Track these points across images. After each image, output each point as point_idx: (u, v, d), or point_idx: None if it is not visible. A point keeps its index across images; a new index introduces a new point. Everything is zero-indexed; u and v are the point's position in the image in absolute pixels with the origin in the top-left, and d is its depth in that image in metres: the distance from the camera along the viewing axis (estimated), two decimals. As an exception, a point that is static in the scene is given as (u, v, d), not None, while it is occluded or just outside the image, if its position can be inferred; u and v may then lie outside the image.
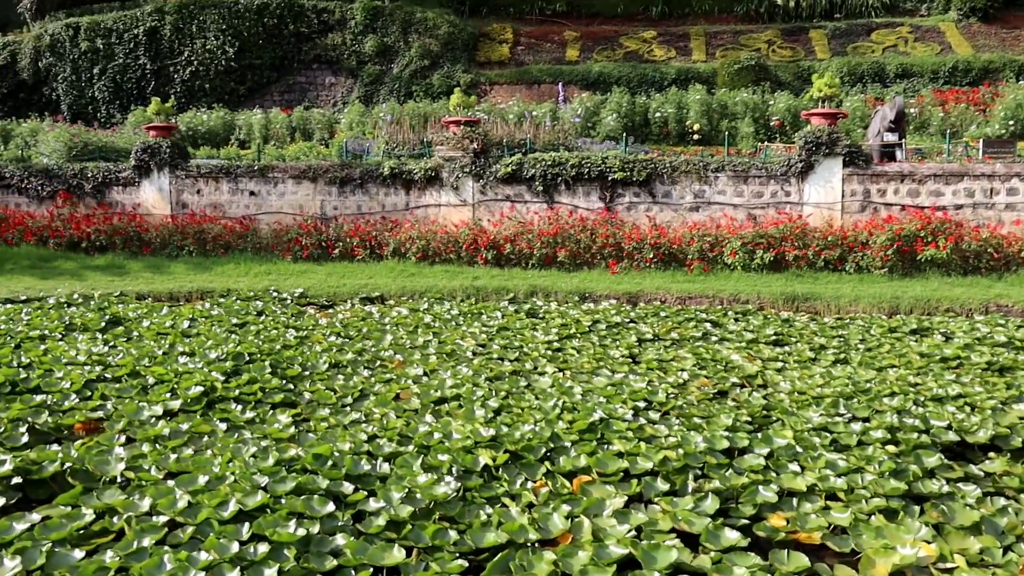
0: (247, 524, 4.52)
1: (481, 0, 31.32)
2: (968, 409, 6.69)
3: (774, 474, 5.31)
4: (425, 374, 7.87)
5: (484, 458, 5.40)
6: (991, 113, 22.76)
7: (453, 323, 10.44)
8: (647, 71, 26.49)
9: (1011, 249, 14.11)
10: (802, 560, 4.22)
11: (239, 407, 6.65)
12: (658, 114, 22.92)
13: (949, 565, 4.25)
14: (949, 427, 6.17)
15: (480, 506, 4.81)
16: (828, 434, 6.05)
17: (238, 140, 23.77)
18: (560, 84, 25.60)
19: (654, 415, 6.51)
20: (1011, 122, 22.05)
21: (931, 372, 8.04)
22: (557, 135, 18.34)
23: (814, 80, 16.27)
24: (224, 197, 17.72)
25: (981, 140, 17.21)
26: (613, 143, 19.39)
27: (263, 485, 4.95)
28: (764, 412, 6.65)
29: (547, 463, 5.46)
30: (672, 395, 7.14)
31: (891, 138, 17.01)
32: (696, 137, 22.13)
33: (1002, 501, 4.98)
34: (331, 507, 4.71)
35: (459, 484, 5.02)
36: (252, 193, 17.65)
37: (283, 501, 4.78)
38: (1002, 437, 6.07)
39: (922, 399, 6.97)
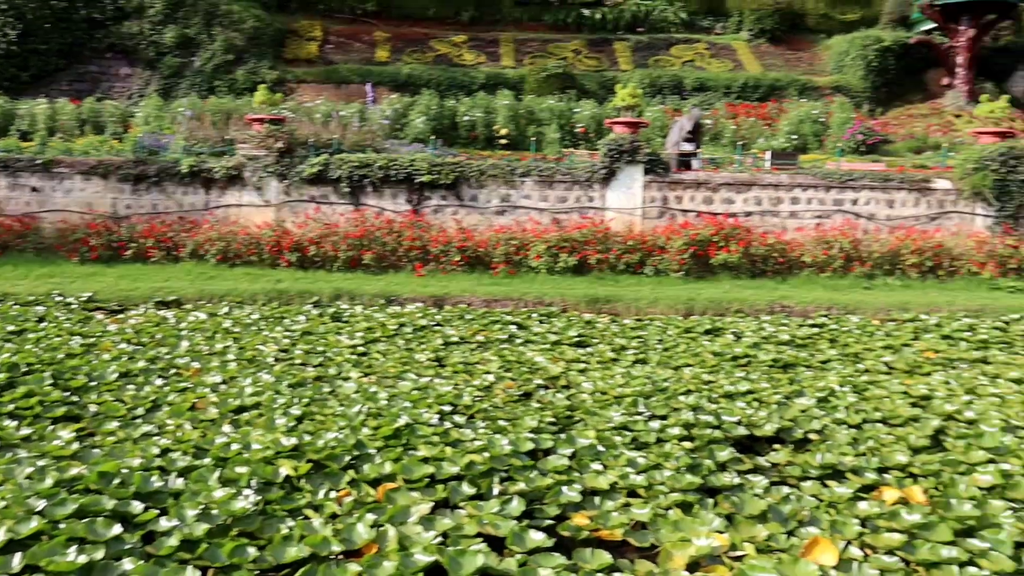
0: (19, 554, 4.11)
1: (290, -4, 30.56)
2: (756, 404, 7.07)
3: (578, 474, 5.41)
4: (223, 382, 7.52)
5: (285, 469, 5.22)
6: (777, 127, 24.37)
7: (254, 328, 10.07)
8: (457, 75, 26.65)
9: (794, 254, 15.14)
10: (605, 557, 4.31)
11: (14, 423, 6.11)
12: (467, 118, 23.11)
13: (739, 553, 4.45)
14: (739, 422, 6.48)
15: (281, 519, 4.63)
16: (629, 432, 6.22)
17: (19, 131, 22.04)
18: (369, 84, 25.33)
19: (460, 419, 6.50)
20: (794, 136, 23.68)
21: (723, 370, 8.44)
22: (365, 136, 18.12)
23: (618, 90, 16.86)
24: (2, 193, 16.39)
25: (769, 152, 18.37)
26: (421, 145, 19.37)
27: (39, 509, 4.54)
28: (568, 413, 6.77)
29: (351, 471, 5.33)
30: (478, 398, 7.16)
31: (688, 148, 17.87)
32: (504, 142, 22.47)
33: (786, 489, 5.27)
34: (118, 529, 4.37)
35: (259, 497, 4.82)
36: (34, 189, 16.41)
37: (62, 526, 4.40)
38: (786, 429, 6.44)
39: (715, 396, 7.30)
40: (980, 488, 5.31)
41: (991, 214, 15.92)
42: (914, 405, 7.24)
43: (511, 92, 24.81)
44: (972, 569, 4.23)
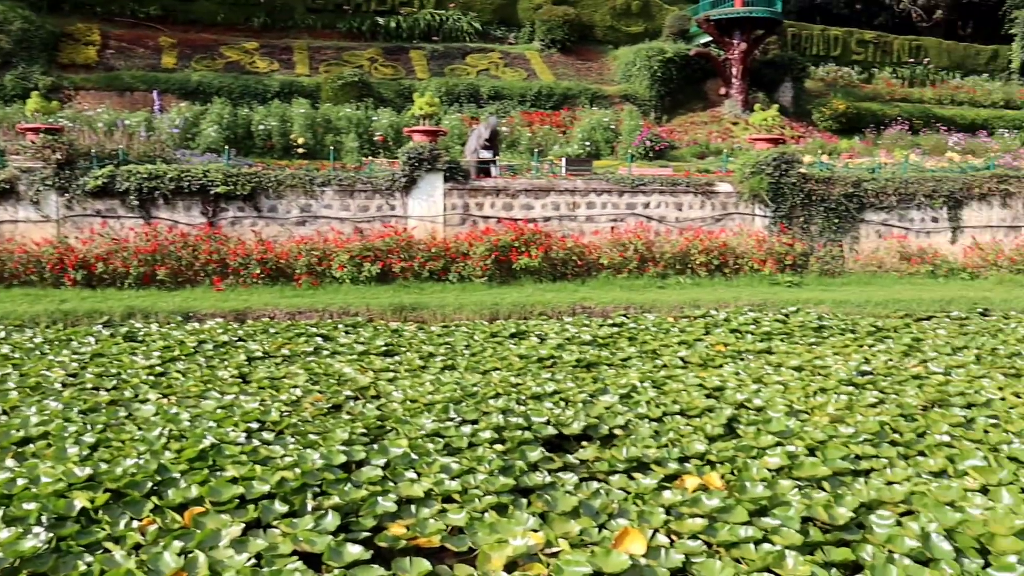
0: None
1: (62, -3, 28.65)
2: (563, 404, 7.28)
3: (392, 483, 5.39)
4: (4, 412, 6.97)
5: (80, 501, 4.89)
6: (570, 134, 25.18)
7: (37, 352, 9.39)
8: (250, 82, 25.87)
9: (591, 256, 15.69)
10: (424, 565, 4.31)
11: None
12: (262, 127, 22.51)
13: (555, 549, 4.57)
14: (548, 422, 6.65)
15: (78, 556, 4.33)
16: (441, 439, 6.26)
17: None
18: (156, 92, 24.16)
19: (268, 435, 6.32)
20: (587, 143, 24.55)
21: (530, 372, 8.63)
22: (154, 146, 17.25)
23: (415, 98, 16.91)
24: None
25: (564, 159, 18.95)
26: (215, 156, 18.70)
27: None
28: (379, 423, 6.73)
29: (155, 498, 5.07)
30: (286, 413, 6.99)
31: (486, 155, 18.16)
32: (301, 151, 22.04)
33: (595, 485, 5.46)
34: None
35: (51, 535, 4.49)
36: None
37: None
38: (592, 427, 6.67)
39: (523, 398, 7.46)
40: (770, 470, 5.70)
41: (768, 215, 17.10)
42: (708, 396, 7.67)
43: (307, 100, 24.38)
44: (766, 545, 4.54)
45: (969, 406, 7.42)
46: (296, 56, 28.62)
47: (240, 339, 10.29)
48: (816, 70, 34.45)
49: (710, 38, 30.15)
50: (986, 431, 6.62)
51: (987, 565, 4.37)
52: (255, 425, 6.54)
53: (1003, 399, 7.63)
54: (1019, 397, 7.73)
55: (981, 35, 43.08)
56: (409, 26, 30.92)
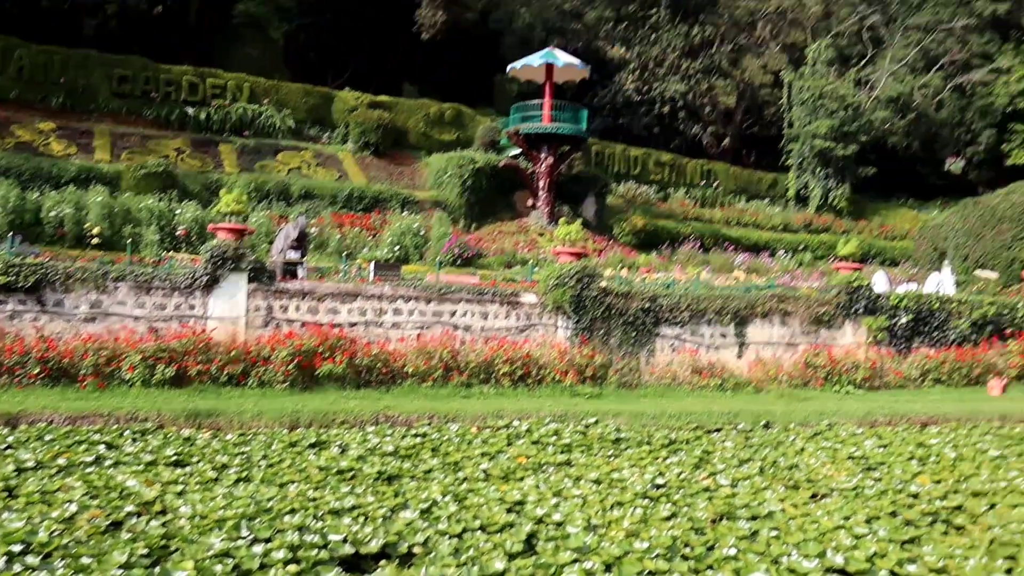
0: None
1: None
2: (362, 519, 7.13)
3: (173, 612, 5.09)
4: None
5: None
6: (380, 238, 25.35)
7: None
8: (43, 165, 24.57)
9: (397, 364, 15.66)
10: None
11: None
12: (53, 213, 21.42)
13: None
14: (345, 540, 6.49)
15: None
16: (230, 560, 5.98)
17: None
18: (-68, 171, 22.58)
19: (33, 559, 5.83)
20: (397, 247, 24.77)
21: (329, 485, 8.43)
22: (-74, 230, 16.05)
23: (222, 194, 16.58)
24: None
25: (372, 263, 18.99)
26: (-2, 243, 17.56)
27: None
28: (163, 542, 6.37)
29: None
30: (57, 532, 6.48)
31: (294, 256, 17.96)
32: (96, 241, 21.07)
33: (390, 609, 5.36)
34: None
35: None
36: None
37: None
38: (391, 544, 6.56)
39: (321, 513, 7.26)
40: (566, 589, 5.78)
41: (570, 326, 17.70)
42: (509, 510, 7.72)
43: (106, 188, 23.45)
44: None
45: (753, 518, 7.82)
46: (97, 141, 27.54)
47: (8, 447, 9.52)
48: (618, 187, 36.47)
49: (519, 151, 31.40)
50: (768, 543, 6.99)
51: None
52: (18, 548, 6.01)
53: (783, 511, 8.09)
54: (796, 508, 8.23)
55: (763, 164, 47.11)
56: (220, 119, 30.50)
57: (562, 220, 22.45)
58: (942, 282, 25.10)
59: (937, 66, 44.73)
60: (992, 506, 8.60)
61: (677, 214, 36.11)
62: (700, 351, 18.55)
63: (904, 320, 20.25)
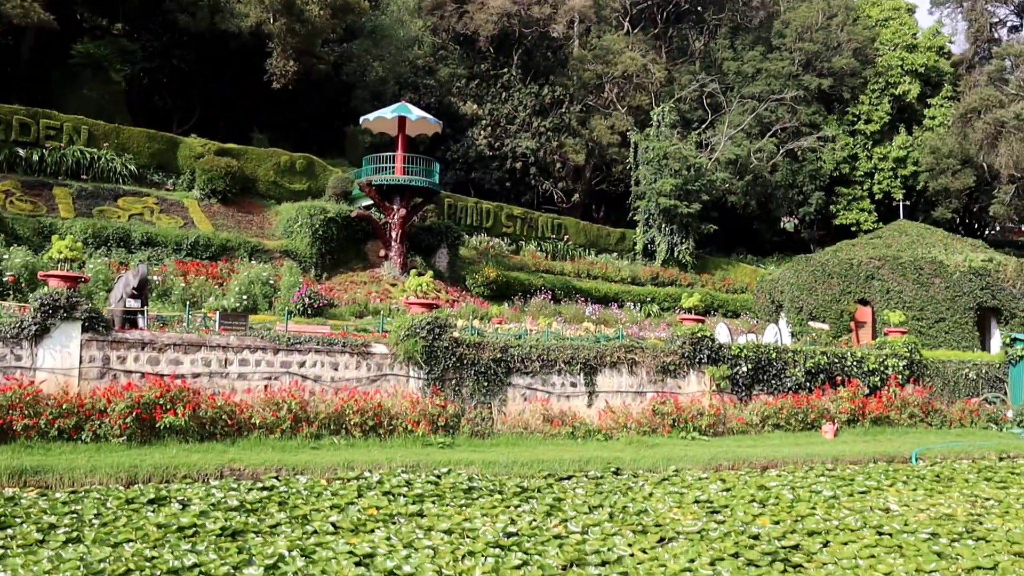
0: None
1: None
2: (202, 579, 6.81)
3: None
4: None
5: None
6: (227, 287, 24.62)
7: None
8: None
9: (243, 415, 15.13)
10: None
11: None
12: None
13: None
14: (184, 601, 6.18)
15: None
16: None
17: None
18: None
19: None
20: (245, 296, 24.11)
21: (168, 543, 8.03)
22: None
23: (55, 241, 15.77)
24: None
25: (218, 312, 18.38)
26: None
27: None
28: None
29: None
30: None
31: (134, 304, 17.18)
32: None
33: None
34: None
35: None
36: None
37: None
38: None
39: (158, 573, 6.89)
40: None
41: (422, 376, 17.58)
42: (359, 563, 7.54)
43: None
44: None
45: (603, 563, 7.91)
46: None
47: None
48: (470, 239, 36.78)
49: (372, 202, 31.27)
50: (617, 589, 7.06)
51: None
52: None
53: (632, 555, 8.22)
54: (645, 552, 8.37)
55: (612, 219, 48.59)
56: (55, 161, 29.04)
57: (414, 271, 22.40)
58: (779, 332, 26.35)
59: (771, 132, 47.52)
60: (826, 544, 9.00)
61: (529, 266, 36.67)
62: (551, 400, 18.75)
63: (745, 369, 21.09)
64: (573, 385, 19.24)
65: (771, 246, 50.90)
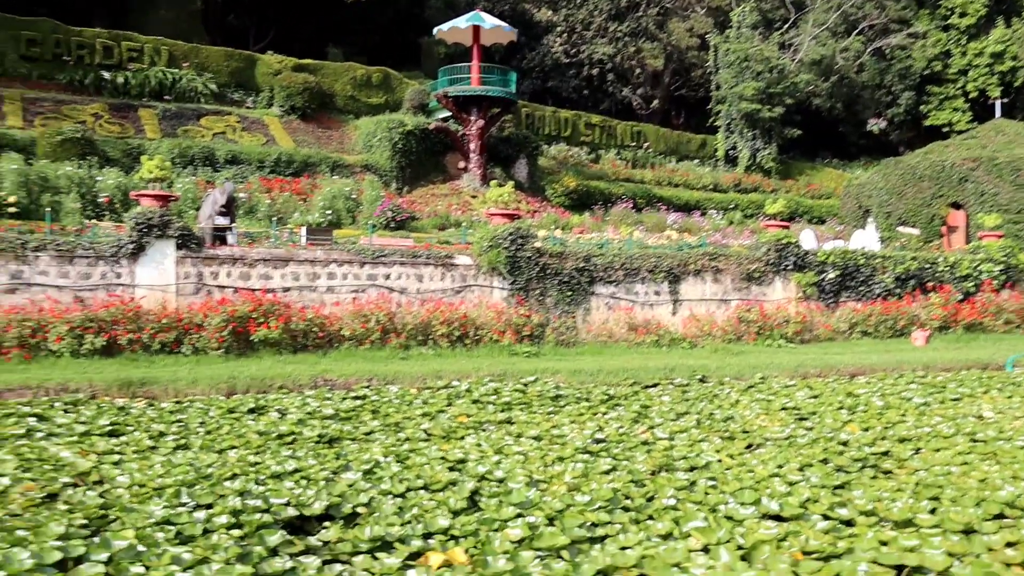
0: None
1: None
2: (304, 483, 7.07)
3: (116, 580, 4.98)
4: None
5: None
6: (311, 202, 24.96)
7: None
8: (-50, 134, 23.64)
9: (333, 328, 15.51)
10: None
11: None
12: (-35, 184, 20.61)
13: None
14: (288, 503, 6.42)
15: None
16: (172, 527, 5.87)
17: None
18: None
19: (-32, 533, 5.66)
20: (328, 211, 24.43)
21: (269, 450, 8.34)
22: None
23: (144, 161, 16.14)
24: None
25: (304, 227, 18.71)
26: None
27: None
28: (102, 512, 6.22)
29: None
30: (-9, 505, 6.31)
31: (222, 221, 17.59)
32: (12, 211, 20.33)
33: (338, 567, 5.32)
34: None
35: None
36: None
37: None
38: (335, 505, 6.51)
39: (262, 478, 7.17)
40: (512, 542, 5.80)
41: (506, 287, 17.71)
42: (451, 469, 7.72)
43: (20, 155, 22.61)
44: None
45: (691, 469, 7.95)
46: (7, 107, 26.51)
47: (-67, 422, 9.21)
48: (549, 149, 36.45)
49: (449, 113, 31.14)
50: (706, 493, 7.11)
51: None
52: (-50, 521, 5.84)
53: (720, 462, 8.25)
54: (732, 459, 8.39)
55: (692, 125, 47.54)
56: (139, 83, 29.57)
57: (494, 182, 22.35)
58: (867, 238, 25.72)
59: (857, 30, 45.54)
60: (917, 451, 8.89)
61: (609, 175, 36.29)
62: (635, 309, 18.74)
63: (832, 275, 20.71)
64: (657, 294, 19.17)
65: (857, 150, 49.26)
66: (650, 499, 6.91)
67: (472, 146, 30.53)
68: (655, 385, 13.40)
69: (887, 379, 14.12)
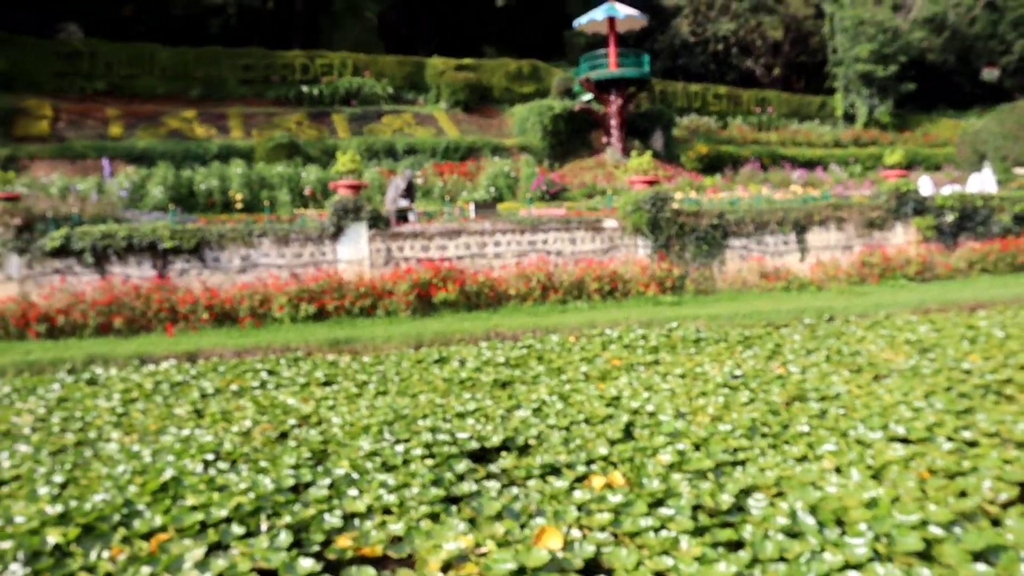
0: None
1: (15, 77, 27.52)
2: (484, 420, 7.27)
3: (337, 501, 5.28)
4: (-25, 458, 6.62)
5: (54, 537, 4.67)
6: (476, 182, 25.32)
7: (6, 401, 8.95)
8: (191, 147, 25.29)
9: (500, 288, 15.76)
10: (369, 571, 4.25)
11: None
12: (203, 186, 22.04)
13: (484, 550, 4.55)
14: (471, 437, 6.62)
15: (52, 587, 4.14)
16: (378, 458, 6.17)
17: None
18: (105, 159, 23.41)
19: (224, 465, 6.14)
20: (491, 188, 24.70)
21: (453, 393, 8.60)
22: (105, 208, 16.71)
23: (338, 156, 16.78)
24: None
25: (472, 204, 19.02)
26: (162, 214, 18.21)
27: None
28: (322, 447, 6.60)
29: (123, 529, 4.87)
30: (238, 444, 6.80)
31: (404, 204, 18.11)
32: (239, 206, 21.64)
33: (515, 490, 5.45)
34: None
35: (27, 569, 4.29)
36: None
37: None
38: (510, 439, 6.67)
39: (448, 417, 7.42)
40: (663, 466, 5.79)
41: (649, 245, 17.49)
42: (608, 405, 7.75)
43: (243, 160, 23.99)
44: (664, 532, 4.62)
45: (822, 399, 7.68)
46: (231, 122, 28.12)
47: (193, 378, 9.99)
48: (681, 120, 35.51)
49: (591, 95, 30.79)
50: (837, 420, 6.86)
51: (843, 533, 4.53)
52: (211, 456, 6.33)
53: (849, 392, 7.92)
54: (860, 389, 8.04)
55: (811, 88, 45.13)
56: (331, 92, 30.75)
57: (634, 153, 21.99)
58: (983, 181, 23.83)
59: (970, -16, 41.91)
60: (1041, 376, 8.26)
61: (736, 139, 35.04)
62: (766, 258, 18.13)
63: (950, 218, 19.36)
64: (785, 243, 18.47)
65: (971, 99, 45.43)
66: (785, 427, 6.73)
67: (613, 123, 30.11)
68: (786, 326, 12.96)
69: (1007, 311, 13.12)
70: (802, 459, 5.95)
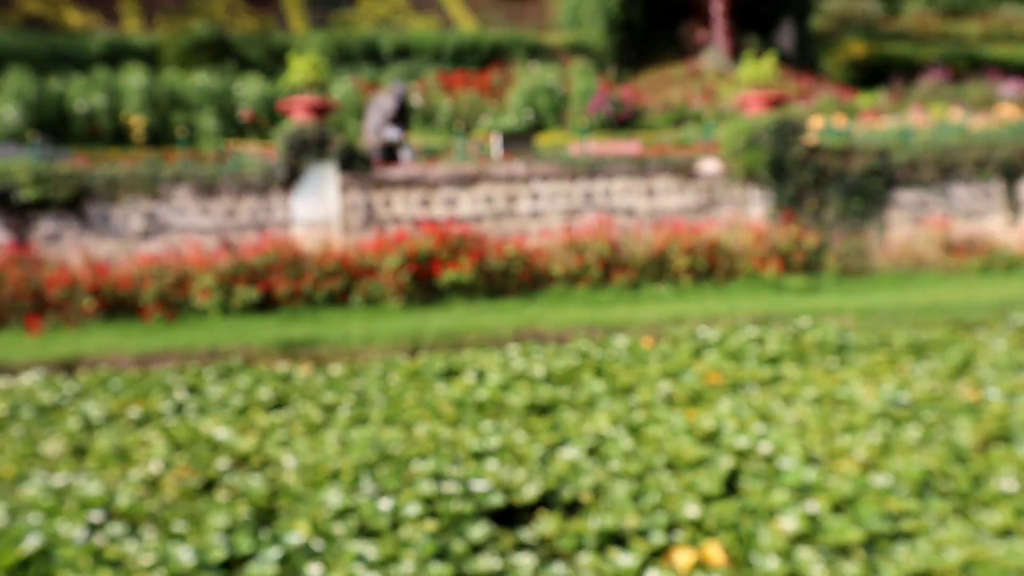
0: None
1: None
2: (512, 462, 7.39)
3: (291, 582, 5.43)
4: None
5: None
6: (505, 102, 25.40)
7: None
8: (60, 43, 25.49)
9: (540, 265, 15.86)
10: None
11: None
12: (81, 104, 22.31)
13: (511, 658, 4.71)
14: (494, 489, 6.75)
15: None
16: (353, 518, 6.30)
17: None
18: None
19: (118, 529, 6.29)
20: (528, 112, 24.80)
21: (466, 422, 8.73)
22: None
23: (292, 61, 16.91)
24: None
25: (498, 135, 19.13)
26: (16, 147, 18.50)
27: None
28: (269, 501, 6.75)
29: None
30: (141, 497, 6.97)
31: (393, 135, 18.23)
32: (140, 138, 21.93)
33: (558, 567, 5.58)
34: None
35: None
36: None
37: None
38: (552, 491, 6.78)
39: (459, 457, 7.55)
40: (784, 537, 5.88)
41: (768, 200, 17.49)
42: (701, 443, 7.85)
43: (144, 65, 24.25)
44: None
45: (1037, 441, 7.71)
46: (124, 6, 28.40)
47: (70, 399, 10.21)
48: (824, 4, 35.27)
49: (683, -34, 30.72)
50: (1058, 472, 6.90)
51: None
52: (98, 516, 6.45)
53: (1079, 430, 7.95)
54: (1101, 427, 8.06)
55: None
56: (280, -38, 30.93)
57: (748, 56, 22.00)
58: None
59: None
60: None
61: (913, 33, 34.75)
62: (953, 220, 18.08)
63: None
64: (986, 197, 18.38)
65: None
66: (978, 482, 6.78)
67: (716, 8, 30.01)
68: (983, 326, 12.96)
69: None
70: (1005, 533, 6.00)
